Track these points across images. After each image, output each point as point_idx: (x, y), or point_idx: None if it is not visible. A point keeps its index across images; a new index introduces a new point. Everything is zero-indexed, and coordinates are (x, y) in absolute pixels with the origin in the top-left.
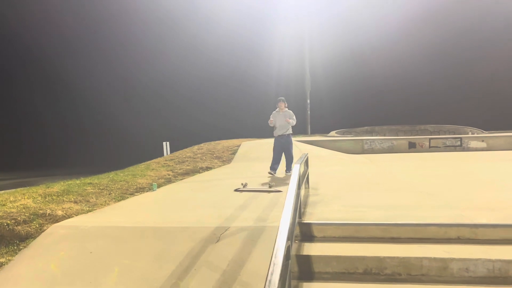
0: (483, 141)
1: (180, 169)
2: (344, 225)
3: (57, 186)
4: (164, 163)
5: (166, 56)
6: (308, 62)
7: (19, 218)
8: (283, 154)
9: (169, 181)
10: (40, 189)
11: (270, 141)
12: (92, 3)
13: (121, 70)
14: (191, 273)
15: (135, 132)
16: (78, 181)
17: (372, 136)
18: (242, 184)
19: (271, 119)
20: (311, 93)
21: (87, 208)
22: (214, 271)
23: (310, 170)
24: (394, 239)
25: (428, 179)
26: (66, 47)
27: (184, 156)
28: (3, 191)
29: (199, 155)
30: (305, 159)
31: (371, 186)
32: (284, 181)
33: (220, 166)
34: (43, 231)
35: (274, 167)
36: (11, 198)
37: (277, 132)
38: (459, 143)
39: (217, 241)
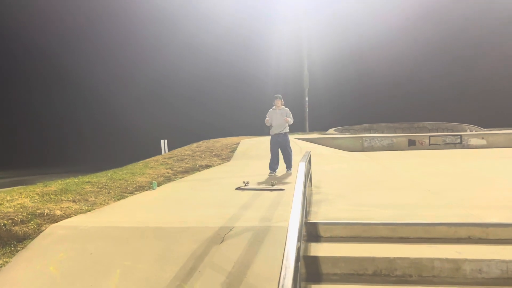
0: (483, 138)
1: (179, 167)
2: (351, 225)
3: (55, 185)
4: (163, 161)
5: (163, 54)
6: (306, 60)
7: (16, 218)
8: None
9: (168, 179)
10: (38, 188)
11: (269, 139)
12: (89, 2)
13: (118, 69)
14: (195, 275)
15: (132, 130)
16: (76, 180)
17: (370, 133)
18: (243, 182)
19: (267, 118)
20: (309, 91)
21: (86, 208)
22: (219, 272)
23: (311, 168)
24: (403, 239)
25: (431, 177)
26: (64, 45)
27: (183, 154)
28: None
29: (198, 153)
30: (308, 157)
31: (374, 185)
32: (285, 180)
33: (219, 164)
34: (41, 232)
35: (274, 167)
36: (8, 197)
37: (273, 131)
38: (459, 140)
39: (221, 241)
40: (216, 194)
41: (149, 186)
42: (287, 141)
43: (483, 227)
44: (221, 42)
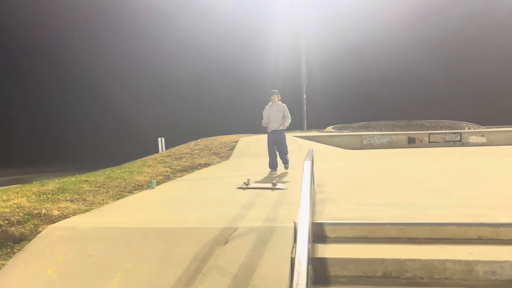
0: (483, 136)
1: (178, 166)
2: (359, 225)
3: (52, 184)
4: (161, 160)
5: (161, 53)
6: (304, 57)
7: (12, 219)
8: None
9: (167, 178)
10: (34, 187)
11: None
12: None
13: (116, 67)
14: (199, 278)
15: (129, 128)
16: (73, 179)
17: (368, 131)
18: (244, 182)
19: (264, 119)
20: (307, 89)
21: (85, 208)
22: (224, 275)
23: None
24: (411, 240)
25: (434, 175)
26: (61, 43)
27: (181, 152)
28: None
29: (196, 151)
30: (312, 155)
31: (378, 183)
32: (286, 178)
33: (218, 162)
34: (38, 233)
35: (274, 166)
36: (4, 197)
37: (270, 128)
38: (458, 138)
39: (225, 243)
40: (217, 193)
41: (148, 185)
42: (284, 138)
43: (494, 227)
44: (219, 41)
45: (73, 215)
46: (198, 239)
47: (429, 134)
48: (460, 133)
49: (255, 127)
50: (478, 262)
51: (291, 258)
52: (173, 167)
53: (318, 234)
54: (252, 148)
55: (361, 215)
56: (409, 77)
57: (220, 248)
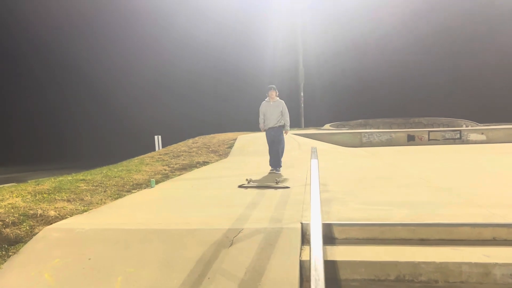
0: (482, 133)
1: (176, 164)
2: (368, 226)
3: (48, 183)
4: (158, 158)
5: (157, 51)
6: (301, 55)
7: (7, 220)
8: None
9: (166, 176)
10: (30, 186)
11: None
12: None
13: (112, 65)
14: (204, 282)
15: (125, 125)
16: (70, 177)
17: (366, 129)
18: (246, 180)
19: (260, 117)
20: (305, 86)
21: (82, 208)
22: (231, 280)
23: None
24: (423, 241)
25: (438, 173)
26: (59, 42)
27: (179, 150)
28: None
29: (194, 149)
30: (316, 154)
31: (382, 181)
32: (288, 176)
33: (217, 160)
34: (34, 235)
35: (275, 164)
36: None
37: (267, 124)
38: (458, 135)
39: (230, 245)
40: (219, 192)
41: (147, 184)
42: (281, 136)
43: (509, 228)
44: (217, 38)
45: (70, 216)
46: (202, 241)
47: (429, 131)
48: (460, 130)
49: (253, 125)
50: (496, 264)
51: (300, 261)
52: (171, 165)
53: (327, 235)
54: (251, 146)
55: (369, 215)
56: (406, 75)
57: (225, 251)
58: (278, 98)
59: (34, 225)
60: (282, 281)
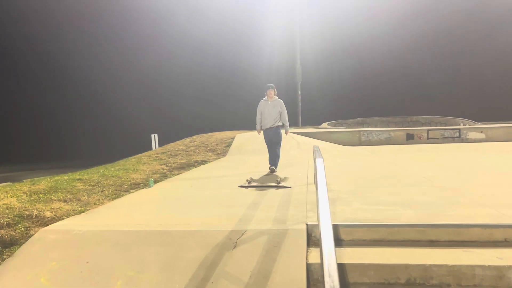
0: (482, 132)
1: (174, 163)
2: (375, 227)
3: (44, 182)
4: (156, 157)
5: (154, 49)
6: (299, 53)
7: (2, 221)
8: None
9: (164, 176)
10: (25, 186)
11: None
12: None
13: (108, 63)
14: (208, 287)
15: (121, 124)
16: (66, 177)
17: (363, 127)
18: (247, 179)
19: (258, 117)
20: (302, 84)
21: (79, 208)
22: (235, 284)
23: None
24: (432, 242)
25: (441, 171)
26: (56, 40)
27: (176, 149)
28: None
29: (192, 148)
30: (320, 152)
31: (384, 181)
32: (288, 175)
33: (215, 159)
34: (30, 236)
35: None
36: None
37: (265, 125)
38: (457, 134)
39: (234, 247)
40: (219, 192)
41: (145, 184)
42: (279, 137)
43: None
44: (213, 36)
45: (67, 217)
46: (205, 243)
47: (428, 130)
48: (459, 129)
49: (251, 124)
50: (510, 267)
51: (307, 264)
52: (169, 164)
53: (333, 237)
54: (249, 145)
55: (375, 216)
56: (403, 73)
57: (229, 253)
58: (276, 97)
59: (29, 227)
60: (288, 285)
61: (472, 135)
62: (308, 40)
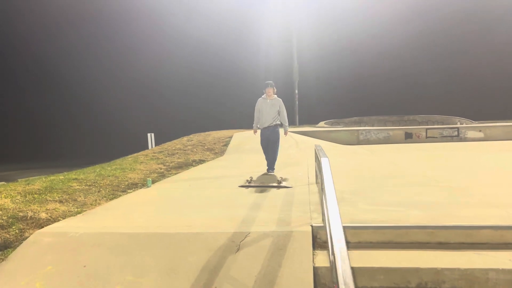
0: (480, 131)
1: (171, 162)
2: (383, 229)
3: (39, 182)
4: (153, 156)
5: (151, 48)
6: (296, 52)
7: None
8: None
9: (162, 175)
10: (19, 186)
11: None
12: None
13: (105, 61)
14: None
15: (117, 123)
16: (61, 177)
17: (361, 126)
18: (247, 180)
19: (256, 116)
20: (299, 83)
21: (76, 209)
22: None
23: (313, 162)
24: (442, 245)
25: (443, 171)
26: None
27: (173, 148)
28: None
29: (189, 147)
30: (323, 151)
31: (387, 180)
32: (288, 175)
33: (213, 158)
34: (24, 239)
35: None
36: None
37: (263, 124)
38: (456, 133)
39: (237, 250)
40: (219, 192)
41: (143, 184)
42: (277, 136)
43: None
44: (211, 35)
45: (63, 218)
46: (207, 246)
47: (426, 129)
48: (458, 128)
49: (248, 123)
50: None
51: (314, 267)
52: (167, 163)
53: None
54: (247, 144)
55: (381, 217)
56: (401, 73)
57: (232, 257)
58: (276, 96)
59: (24, 229)
60: None
61: (470, 134)
62: (306, 39)
